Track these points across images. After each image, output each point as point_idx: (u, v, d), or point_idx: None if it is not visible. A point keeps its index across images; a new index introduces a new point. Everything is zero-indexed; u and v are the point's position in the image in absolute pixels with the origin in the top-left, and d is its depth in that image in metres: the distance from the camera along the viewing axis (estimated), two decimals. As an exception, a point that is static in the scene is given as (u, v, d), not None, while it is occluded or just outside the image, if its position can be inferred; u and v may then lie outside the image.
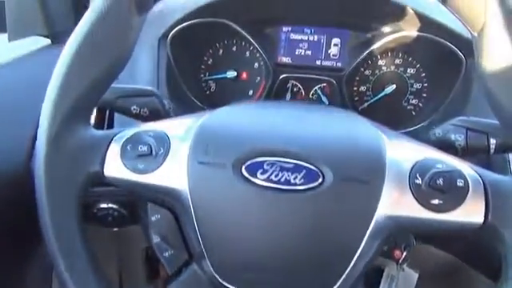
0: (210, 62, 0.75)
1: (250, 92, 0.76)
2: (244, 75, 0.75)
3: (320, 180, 0.38)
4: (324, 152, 0.39)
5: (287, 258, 0.39)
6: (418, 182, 0.38)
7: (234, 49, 0.74)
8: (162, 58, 0.66)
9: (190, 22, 0.64)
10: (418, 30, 0.62)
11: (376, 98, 0.72)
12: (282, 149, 0.39)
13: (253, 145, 0.39)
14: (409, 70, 0.70)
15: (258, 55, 0.73)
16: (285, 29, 0.72)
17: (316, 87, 0.73)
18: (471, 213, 0.37)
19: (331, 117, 0.45)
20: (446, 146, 0.46)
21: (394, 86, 0.71)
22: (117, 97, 0.51)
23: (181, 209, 0.41)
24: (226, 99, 0.76)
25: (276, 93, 0.73)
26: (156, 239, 0.43)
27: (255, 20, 0.70)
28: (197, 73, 0.76)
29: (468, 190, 0.37)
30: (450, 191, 0.37)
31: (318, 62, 0.72)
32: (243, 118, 0.43)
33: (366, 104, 0.73)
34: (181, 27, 0.64)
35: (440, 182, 0.37)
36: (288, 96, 0.74)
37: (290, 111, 0.46)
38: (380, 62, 0.71)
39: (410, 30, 0.64)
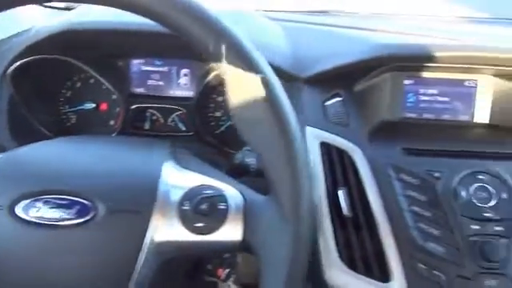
0: (68, 95, 0.77)
1: (112, 122, 0.77)
2: (104, 106, 0.77)
3: (92, 214, 0.40)
4: (98, 187, 0.41)
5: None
6: (186, 208, 0.41)
7: (92, 81, 0.76)
8: (4, 97, 0.66)
9: (27, 59, 0.65)
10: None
11: (230, 122, 0.76)
12: (56, 187, 0.41)
13: (28, 185, 0.41)
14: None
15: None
16: (136, 61, 0.74)
17: (173, 115, 0.76)
18: (231, 233, 0.40)
19: (119, 149, 0.48)
20: (243, 170, 0.50)
21: None
22: None
23: None
24: (87, 130, 0.78)
25: (134, 122, 0.75)
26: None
27: (103, 55, 0.72)
28: (55, 106, 0.76)
29: (228, 212, 0.41)
30: (211, 214, 0.40)
31: (171, 92, 0.75)
32: (28, 158, 0.45)
33: (222, 128, 0.76)
34: (19, 65, 0.65)
35: (204, 206, 0.40)
36: (147, 125, 0.77)
37: (78, 147, 0.48)
38: None
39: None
